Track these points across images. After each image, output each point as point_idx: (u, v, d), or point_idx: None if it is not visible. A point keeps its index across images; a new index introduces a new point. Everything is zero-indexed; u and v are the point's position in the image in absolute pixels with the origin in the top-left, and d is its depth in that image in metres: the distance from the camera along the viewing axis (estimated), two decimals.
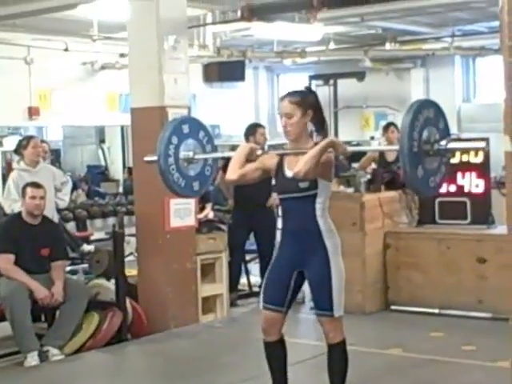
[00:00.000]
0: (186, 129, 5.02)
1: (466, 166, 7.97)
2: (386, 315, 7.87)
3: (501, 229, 7.23)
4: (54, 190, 8.00)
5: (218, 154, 5.60)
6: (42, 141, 9.35)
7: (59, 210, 8.73)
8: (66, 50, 13.76)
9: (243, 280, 9.18)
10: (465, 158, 7.96)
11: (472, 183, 7.99)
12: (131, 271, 7.71)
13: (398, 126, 9.25)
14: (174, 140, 4.92)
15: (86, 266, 8.24)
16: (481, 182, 7.97)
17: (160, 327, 7.39)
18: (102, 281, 7.37)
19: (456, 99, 17.10)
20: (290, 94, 4.60)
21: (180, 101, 7.56)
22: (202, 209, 8.57)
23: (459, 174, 8.00)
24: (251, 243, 9.06)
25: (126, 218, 9.61)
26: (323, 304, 4.53)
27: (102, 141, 19.08)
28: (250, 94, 19.14)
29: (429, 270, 7.81)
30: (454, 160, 7.92)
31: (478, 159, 7.95)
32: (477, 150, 7.84)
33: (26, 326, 6.60)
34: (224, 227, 8.39)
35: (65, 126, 17.43)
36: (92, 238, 12.35)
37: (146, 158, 5.22)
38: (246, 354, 6.59)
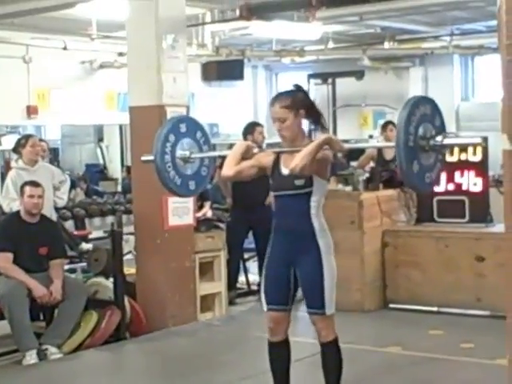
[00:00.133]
0: (183, 128, 5.03)
1: (464, 165, 7.98)
2: (385, 313, 7.88)
3: (499, 227, 7.22)
4: (52, 188, 8.00)
5: (215, 153, 5.61)
6: (41, 139, 9.33)
7: (57, 209, 8.71)
8: (65, 48, 13.75)
9: (242, 278, 9.19)
10: (463, 156, 7.97)
11: (470, 181, 8.00)
12: (130, 270, 7.72)
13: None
14: (171, 138, 4.93)
15: (84, 264, 8.24)
16: (479, 181, 7.97)
17: (158, 325, 7.40)
18: (100, 279, 7.37)
19: (455, 98, 17.11)
20: (279, 99, 4.57)
21: (179, 100, 7.57)
22: (200, 207, 8.57)
23: (457, 173, 8.01)
24: (250, 241, 9.06)
25: (124, 217, 9.60)
26: (315, 302, 4.52)
27: (101, 140, 19.09)
28: (249, 92, 19.13)
29: (427, 268, 7.82)
30: (453, 158, 7.95)
31: (477, 157, 7.95)
32: (475, 148, 7.87)
33: (24, 325, 6.61)
34: (222, 225, 8.40)
35: (63, 125, 17.42)
36: (90, 236, 12.32)
37: (143, 158, 5.23)
38: (244, 353, 6.59)
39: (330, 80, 16.19)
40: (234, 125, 16.03)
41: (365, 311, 7.81)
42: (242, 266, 9.13)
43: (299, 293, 4.64)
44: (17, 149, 8.14)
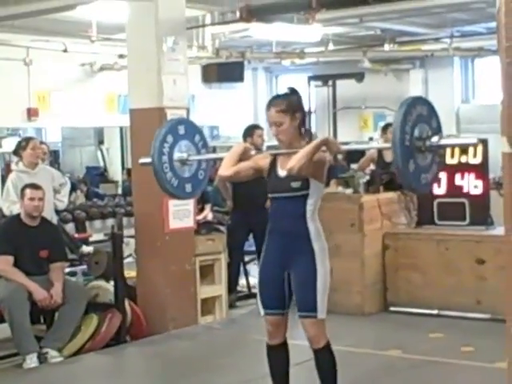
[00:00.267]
0: (181, 130, 5.04)
1: (464, 167, 7.97)
2: (385, 316, 7.87)
3: (499, 230, 7.15)
4: (52, 191, 8.01)
5: (213, 155, 5.62)
6: (41, 142, 9.35)
7: (58, 212, 8.72)
8: (65, 51, 13.73)
9: (242, 281, 9.19)
10: (463, 158, 7.96)
11: (471, 184, 7.99)
12: (130, 273, 7.72)
13: None
14: (169, 139, 4.94)
15: (84, 267, 8.23)
16: (479, 183, 7.96)
17: (159, 329, 7.39)
18: (100, 282, 7.37)
19: (455, 100, 17.11)
20: (274, 103, 4.57)
21: (179, 102, 7.57)
22: (201, 210, 8.57)
23: (458, 175, 8.00)
24: (250, 244, 9.06)
25: (124, 220, 9.59)
26: (307, 305, 4.49)
27: (101, 142, 19.09)
28: (249, 94, 19.14)
29: (428, 271, 7.81)
30: (453, 161, 7.95)
31: (477, 160, 7.94)
32: (475, 151, 7.86)
33: (24, 328, 6.60)
34: (223, 228, 8.39)
35: (64, 127, 17.42)
36: (91, 239, 12.32)
37: (141, 160, 5.24)
38: (244, 356, 6.59)
39: (330, 82, 16.20)
40: (234, 127, 16.07)
41: (365, 314, 7.80)
42: (242, 268, 9.12)
43: None
44: (17, 151, 8.15)
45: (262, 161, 4.69)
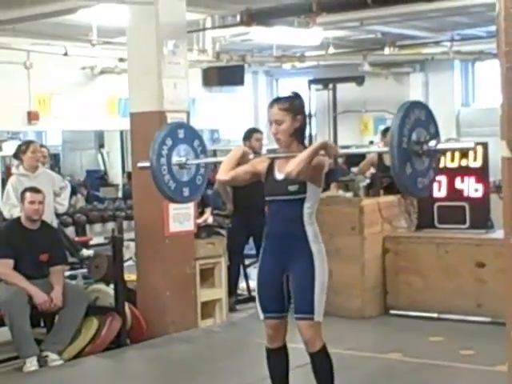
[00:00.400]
0: (181, 134, 5.05)
1: (464, 171, 7.97)
2: (386, 320, 7.87)
3: (500, 233, 7.18)
4: (52, 194, 8.00)
5: (212, 159, 5.62)
6: (42, 145, 9.35)
7: (58, 215, 8.73)
8: (66, 54, 13.75)
9: (242, 284, 9.18)
10: (464, 162, 7.96)
11: (471, 187, 7.99)
12: (130, 276, 7.71)
13: None
14: (169, 141, 4.96)
15: (85, 270, 8.24)
16: (480, 187, 7.96)
17: (159, 332, 7.39)
18: (101, 286, 7.37)
19: (455, 103, 17.12)
20: (278, 100, 4.61)
21: (179, 105, 7.57)
22: (201, 213, 8.57)
23: (458, 179, 8.00)
24: (250, 248, 9.05)
25: (125, 223, 9.61)
26: (304, 306, 4.48)
27: (102, 145, 19.11)
28: (250, 98, 19.16)
29: (428, 274, 7.81)
30: (453, 164, 7.95)
31: (477, 163, 7.94)
32: (475, 154, 7.87)
33: (25, 331, 6.60)
34: (223, 232, 8.39)
35: (64, 131, 17.45)
36: (91, 242, 12.35)
37: (139, 164, 5.25)
38: (244, 359, 6.60)
39: (330, 85, 16.19)
40: (234, 130, 16.07)
41: (365, 317, 7.80)
42: (242, 272, 9.12)
43: None
44: (17, 155, 8.15)
45: (260, 165, 4.69)
